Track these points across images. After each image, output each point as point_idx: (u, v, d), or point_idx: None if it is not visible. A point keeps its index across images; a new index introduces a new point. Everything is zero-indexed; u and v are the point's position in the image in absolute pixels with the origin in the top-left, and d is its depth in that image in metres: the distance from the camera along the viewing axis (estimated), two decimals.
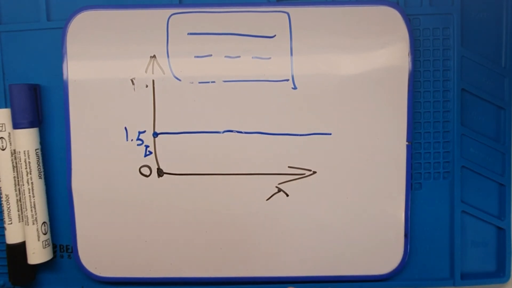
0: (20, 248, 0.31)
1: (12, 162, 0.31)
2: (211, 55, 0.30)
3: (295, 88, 0.30)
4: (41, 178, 0.31)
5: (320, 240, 0.31)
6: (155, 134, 0.30)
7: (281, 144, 0.30)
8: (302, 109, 0.30)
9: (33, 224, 0.30)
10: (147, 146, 0.30)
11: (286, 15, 0.30)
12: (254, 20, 0.30)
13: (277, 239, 0.31)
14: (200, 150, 0.30)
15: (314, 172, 0.30)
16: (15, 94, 0.30)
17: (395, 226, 0.31)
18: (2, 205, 0.31)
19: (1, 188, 0.31)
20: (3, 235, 0.31)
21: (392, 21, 0.29)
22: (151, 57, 0.30)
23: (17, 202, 0.31)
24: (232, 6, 0.30)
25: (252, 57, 0.30)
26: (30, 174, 0.30)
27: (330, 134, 0.30)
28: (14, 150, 0.30)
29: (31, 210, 0.30)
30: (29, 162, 0.30)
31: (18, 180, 0.31)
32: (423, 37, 0.31)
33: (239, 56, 0.30)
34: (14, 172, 0.31)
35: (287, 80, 0.30)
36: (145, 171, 0.30)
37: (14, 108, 0.30)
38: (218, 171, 0.30)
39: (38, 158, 0.31)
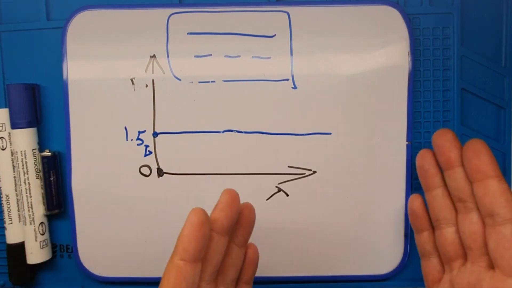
0: (20, 248, 0.31)
1: (13, 162, 0.31)
2: (211, 55, 0.30)
3: (295, 88, 0.30)
4: (38, 178, 0.31)
5: (320, 240, 0.31)
6: (155, 134, 0.30)
7: (281, 144, 0.30)
8: (302, 109, 0.30)
9: (30, 224, 0.30)
10: (147, 146, 0.30)
11: (286, 14, 0.30)
12: (254, 20, 0.30)
13: (277, 239, 0.31)
14: (200, 150, 0.30)
15: (314, 172, 0.30)
16: (12, 94, 0.30)
17: (395, 226, 0.31)
18: (3, 205, 0.31)
19: (1, 188, 0.31)
20: (3, 235, 0.31)
21: (392, 21, 0.29)
22: (151, 56, 0.30)
23: (17, 202, 0.31)
24: (232, 6, 0.30)
25: (252, 57, 0.30)
26: (27, 174, 0.30)
27: (330, 134, 0.30)
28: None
29: (28, 211, 0.30)
30: (26, 162, 0.30)
31: (16, 180, 0.31)
32: (423, 37, 0.31)
33: (239, 56, 0.30)
34: (14, 172, 0.31)
35: (287, 79, 0.30)
36: (145, 171, 0.30)
37: (11, 108, 0.30)
38: (218, 171, 0.30)
39: (36, 158, 0.30)
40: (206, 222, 0.21)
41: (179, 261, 0.21)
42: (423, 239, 0.27)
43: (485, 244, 0.23)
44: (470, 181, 0.24)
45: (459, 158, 0.25)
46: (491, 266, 0.23)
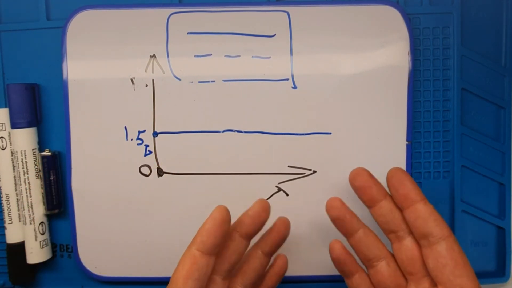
0: (20, 248, 0.31)
1: (13, 162, 0.31)
2: (211, 55, 0.30)
3: (295, 87, 0.30)
4: (38, 178, 0.31)
5: (320, 240, 0.31)
6: (155, 134, 0.30)
7: (281, 144, 0.30)
8: (302, 108, 0.30)
9: (30, 224, 0.30)
10: (147, 146, 0.30)
11: (286, 14, 0.30)
12: (254, 20, 0.30)
13: None
14: (200, 149, 0.30)
15: (314, 172, 0.30)
16: (12, 93, 0.30)
17: None
18: (3, 204, 0.31)
19: (1, 188, 0.31)
20: (3, 235, 0.31)
21: (392, 21, 0.29)
22: (151, 56, 0.30)
23: (17, 201, 0.31)
24: (232, 6, 0.30)
25: (252, 57, 0.30)
26: (27, 174, 0.30)
27: (330, 133, 0.30)
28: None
29: (28, 210, 0.30)
30: (26, 162, 0.30)
31: (16, 180, 0.31)
32: (423, 36, 0.31)
33: (239, 56, 0.30)
34: (14, 171, 0.31)
35: (287, 79, 0.30)
36: (145, 170, 0.30)
37: (11, 108, 0.30)
38: (218, 170, 0.30)
39: (36, 158, 0.30)
40: (227, 221, 0.23)
41: (196, 251, 0.23)
42: (356, 282, 0.27)
43: (424, 266, 0.24)
44: (400, 209, 0.25)
45: (381, 192, 0.26)
46: (434, 284, 0.24)
